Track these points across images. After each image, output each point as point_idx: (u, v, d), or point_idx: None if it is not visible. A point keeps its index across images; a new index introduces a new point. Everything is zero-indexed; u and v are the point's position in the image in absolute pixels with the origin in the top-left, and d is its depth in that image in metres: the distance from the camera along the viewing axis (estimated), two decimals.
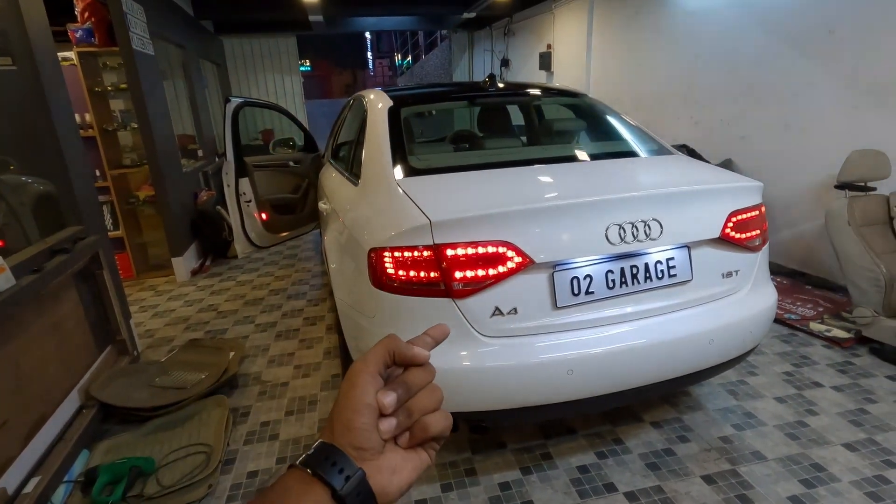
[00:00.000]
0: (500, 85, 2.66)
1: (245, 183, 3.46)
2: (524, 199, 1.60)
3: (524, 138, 2.74)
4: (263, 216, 3.63)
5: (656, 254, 1.66)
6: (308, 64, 27.38)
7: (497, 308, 1.55)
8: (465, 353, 1.54)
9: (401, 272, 1.55)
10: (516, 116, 3.00)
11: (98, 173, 4.02)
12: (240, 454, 2.08)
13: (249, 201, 3.51)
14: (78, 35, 3.73)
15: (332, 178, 2.76)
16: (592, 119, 2.55)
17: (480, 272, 1.51)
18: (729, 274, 1.78)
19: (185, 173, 4.65)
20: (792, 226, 3.56)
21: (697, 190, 1.73)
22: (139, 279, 4.27)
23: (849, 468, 1.84)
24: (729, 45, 3.92)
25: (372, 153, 2.08)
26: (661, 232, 1.62)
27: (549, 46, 6.58)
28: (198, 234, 4.64)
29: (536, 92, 2.76)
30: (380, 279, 1.58)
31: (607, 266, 1.61)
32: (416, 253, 1.52)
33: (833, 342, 2.70)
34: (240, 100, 3.35)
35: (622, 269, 1.63)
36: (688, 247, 1.70)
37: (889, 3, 2.82)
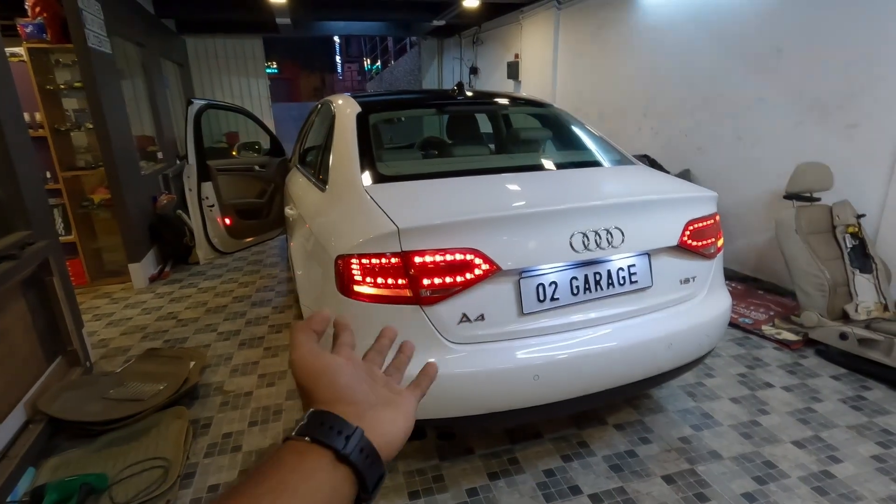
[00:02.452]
0: (469, 93, 2.70)
1: (208, 187, 3.37)
2: (491, 208, 1.62)
3: (492, 146, 2.78)
4: (227, 221, 3.54)
5: (618, 261, 1.71)
6: (275, 66, 26.90)
7: (465, 315, 1.56)
8: (432, 359, 1.53)
9: (368, 279, 1.54)
10: (484, 125, 3.04)
11: (49, 175, 3.83)
12: (200, 467, 2.01)
13: (212, 206, 3.42)
14: (28, 30, 3.55)
15: (298, 183, 2.72)
16: (558, 129, 2.61)
17: (448, 279, 1.52)
18: (686, 280, 1.85)
19: (143, 176, 4.48)
20: (745, 234, 3.73)
21: (657, 199, 1.80)
22: (93, 286, 4.07)
23: (797, 464, 1.94)
24: (686, 60, 4.10)
25: (340, 159, 2.07)
26: (623, 240, 1.67)
27: (516, 56, 6.70)
28: (157, 239, 4.47)
29: (504, 101, 2.80)
30: (347, 286, 1.57)
31: (572, 273, 1.65)
32: (383, 260, 1.52)
33: (783, 344, 2.84)
34: (203, 101, 3.26)
35: (586, 276, 1.67)
36: (648, 254, 1.76)
37: (830, 27, 3.02)
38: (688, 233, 1.81)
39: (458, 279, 1.52)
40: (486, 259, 1.53)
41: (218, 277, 4.24)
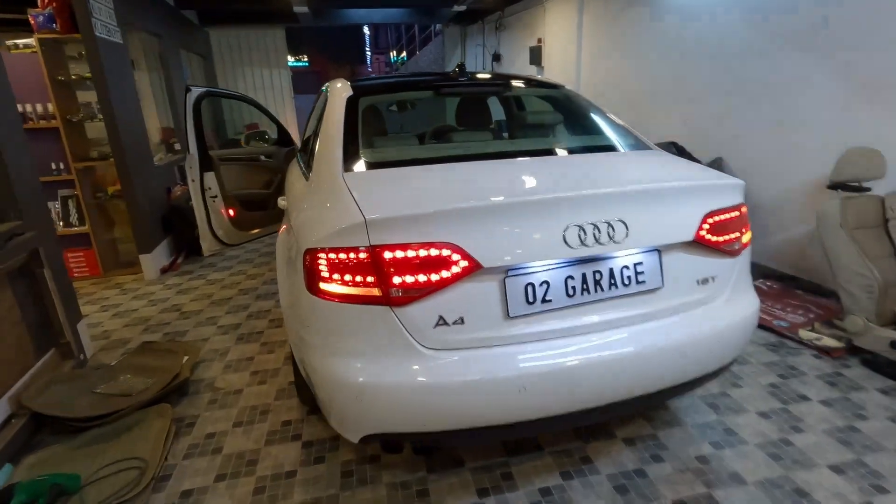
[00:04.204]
0: (482, 76, 2.49)
1: (210, 177, 3.30)
2: (471, 197, 1.44)
3: (494, 131, 2.57)
4: (231, 212, 3.47)
5: (622, 258, 1.50)
6: (305, 59, 27.15)
7: (441, 317, 1.38)
8: (404, 367, 1.38)
9: (335, 276, 1.39)
10: (485, 108, 2.83)
11: (62, 166, 3.85)
12: (177, 470, 1.92)
13: (215, 196, 3.35)
14: (38, 21, 3.55)
15: (293, 172, 2.60)
16: (568, 112, 2.39)
17: (422, 277, 1.35)
18: (704, 281, 1.62)
19: (158, 167, 4.48)
20: (785, 228, 3.39)
21: (667, 188, 1.57)
22: (106, 276, 4.10)
23: (834, 493, 1.68)
24: (718, 38, 3.75)
25: (324, 145, 1.92)
26: (627, 234, 1.46)
27: (539, 41, 6.41)
28: (171, 230, 4.47)
29: (509, 83, 2.59)
30: (314, 284, 1.42)
31: (567, 271, 1.45)
32: (350, 255, 1.36)
33: (823, 351, 2.54)
34: (202, 89, 3.18)
35: (584, 275, 1.47)
36: (658, 251, 1.54)
37: None
38: (706, 226, 1.57)
39: (434, 277, 1.35)
40: (465, 255, 1.35)
41: (228, 269, 4.20)
